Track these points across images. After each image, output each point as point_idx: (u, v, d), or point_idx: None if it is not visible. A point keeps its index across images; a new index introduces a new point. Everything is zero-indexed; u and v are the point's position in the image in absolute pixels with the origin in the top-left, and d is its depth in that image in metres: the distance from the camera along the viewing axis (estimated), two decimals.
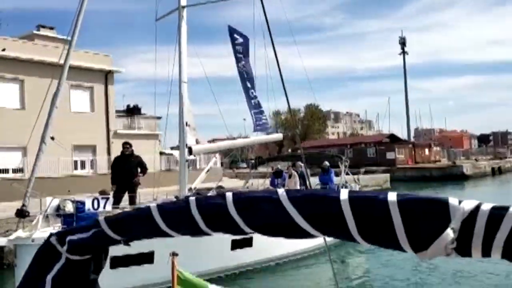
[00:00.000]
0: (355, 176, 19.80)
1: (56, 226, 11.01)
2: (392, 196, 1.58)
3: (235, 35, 15.74)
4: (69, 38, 11.08)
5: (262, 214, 1.77)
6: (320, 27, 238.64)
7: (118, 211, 11.72)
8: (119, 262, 10.81)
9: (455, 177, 48.14)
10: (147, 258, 11.16)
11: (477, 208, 1.47)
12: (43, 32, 32.98)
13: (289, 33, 17.61)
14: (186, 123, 14.29)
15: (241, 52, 15.76)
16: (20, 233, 10.18)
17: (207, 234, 1.93)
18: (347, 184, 18.05)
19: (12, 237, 10.17)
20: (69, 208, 10.72)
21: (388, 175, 42.05)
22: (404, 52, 78.07)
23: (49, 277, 2.17)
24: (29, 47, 29.71)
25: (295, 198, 1.72)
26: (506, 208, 1.44)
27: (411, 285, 11.64)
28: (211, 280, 6.15)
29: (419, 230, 1.54)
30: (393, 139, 68.55)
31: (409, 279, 12.11)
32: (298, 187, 16.09)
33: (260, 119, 15.18)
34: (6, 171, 27.46)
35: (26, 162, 26.53)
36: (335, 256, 15.23)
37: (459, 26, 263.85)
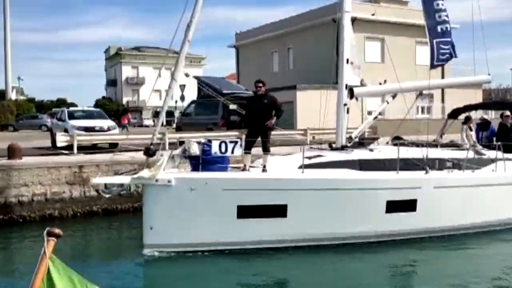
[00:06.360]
0: None
1: (182, 168, 10.32)
2: None
3: None
4: None
5: None
6: None
7: (248, 157, 10.45)
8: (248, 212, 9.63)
9: None
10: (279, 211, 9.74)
11: None
12: None
13: None
14: (347, 60, 12.11)
15: None
16: (145, 172, 9.69)
17: None
18: None
19: (135, 176, 9.76)
20: (195, 149, 9.85)
21: None
22: None
23: None
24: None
25: None
26: None
27: None
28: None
29: None
30: None
31: None
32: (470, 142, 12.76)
33: (443, 50, 11.76)
34: None
35: None
36: None
37: None
